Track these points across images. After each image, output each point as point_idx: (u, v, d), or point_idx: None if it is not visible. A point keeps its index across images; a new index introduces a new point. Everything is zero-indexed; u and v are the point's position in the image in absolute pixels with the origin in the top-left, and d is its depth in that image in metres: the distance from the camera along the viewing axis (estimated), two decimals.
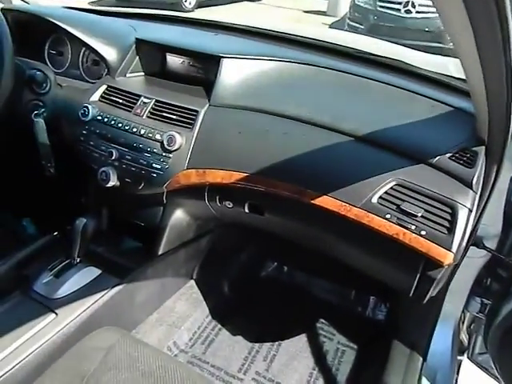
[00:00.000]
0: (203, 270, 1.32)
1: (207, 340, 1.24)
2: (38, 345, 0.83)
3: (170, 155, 0.92)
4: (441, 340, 1.06)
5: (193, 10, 7.00)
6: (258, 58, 1.00)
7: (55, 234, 1.05)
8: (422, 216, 0.73)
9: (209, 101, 0.96)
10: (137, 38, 1.09)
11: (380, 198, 0.76)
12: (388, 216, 0.75)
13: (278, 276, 1.52)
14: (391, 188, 0.77)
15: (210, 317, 1.30)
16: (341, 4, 7.32)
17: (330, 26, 6.71)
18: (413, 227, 0.73)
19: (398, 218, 0.75)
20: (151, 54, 1.11)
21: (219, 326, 1.29)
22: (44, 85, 1.08)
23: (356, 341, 1.30)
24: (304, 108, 0.90)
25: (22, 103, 1.06)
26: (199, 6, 7.25)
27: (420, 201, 0.74)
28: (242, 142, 0.90)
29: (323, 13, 7.69)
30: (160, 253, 1.10)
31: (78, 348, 0.82)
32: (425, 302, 0.86)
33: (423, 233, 0.73)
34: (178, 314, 1.23)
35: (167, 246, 1.10)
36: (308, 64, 1.02)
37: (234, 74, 0.98)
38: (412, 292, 0.83)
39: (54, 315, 0.90)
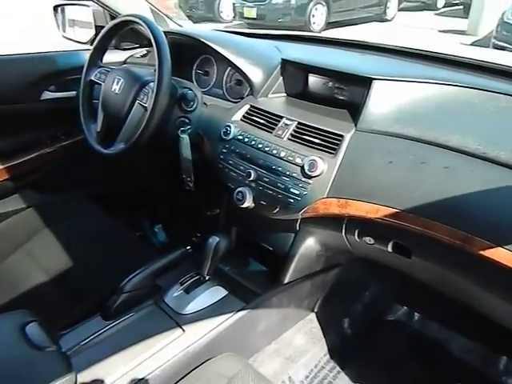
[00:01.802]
0: (326, 304, 1.23)
1: (324, 381, 1.15)
2: (165, 360, 0.84)
3: (310, 181, 0.87)
4: None
5: (320, 32, 7.08)
6: (416, 81, 0.90)
7: (188, 248, 1.07)
8: None
9: (355, 125, 0.88)
10: (282, 59, 1.07)
11: None
12: None
13: (408, 323, 1.35)
14: None
15: (328, 355, 1.20)
16: (483, 22, 6.68)
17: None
18: None
19: None
20: (295, 75, 1.09)
21: (338, 367, 1.18)
22: (192, 103, 1.13)
23: None
24: (471, 139, 0.76)
25: (171, 119, 1.12)
26: (326, 27, 7.31)
27: None
28: (393, 173, 0.80)
29: (461, 32, 7.11)
30: (286, 281, 1.04)
31: (202, 371, 0.81)
32: None
33: None
34: (295, 347, 1.16)
35: (294, 275, 1.05)
36: (475, 88, 0.88)
37: (385, 97, 0.89)
38: None
39: (181, 331, 0.90)
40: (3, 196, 1.36)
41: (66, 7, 1.50)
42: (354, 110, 0.92)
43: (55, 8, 1.53)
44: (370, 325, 1.32)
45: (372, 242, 0.87)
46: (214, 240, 0.99)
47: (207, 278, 1.01)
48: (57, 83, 1.38)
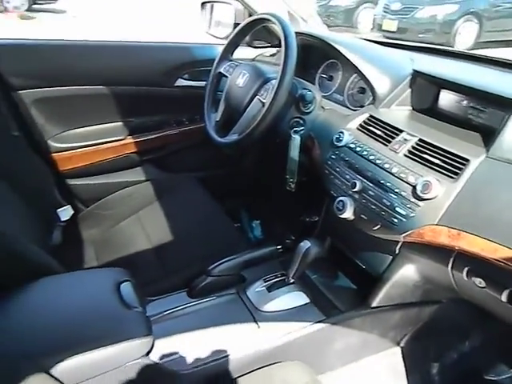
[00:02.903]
0: (415, 341, 1.12)
1: None
2: (235, 350, 0.85)
3: (420, 203, 0.79)
4: None
5: None
6: None
7: (278, 247, 1.07)
8: None
9: (487, 151, 0.78)
10: (414, 70, 1.00)
11: None
12: None
13: None
14: None
15: None
16: None
17: None
18: None
19: None
20: (425, 88, 1.00)
21: None
22: (310, 105, 1.12)
23: None
24: None
25: (286, 118, 1.12)
26: (474, 47, 6.69)
27: None
28: None
29: None
30: (373, 305, 0.97)
31: (267, 372, 0.79)
32: None
33: None
34: (373, 378, 1.08)
35: (383, 301, 0.97)
36: None
37: None
38: None
39: (256, 327, 0.90)
40: (129, 167, 1.53)
41: (212, 5, 1.62)
42: (488, 134, 0.81)
43: (202, 4, 1.66)
44: (463, 378, 1.16)
45: (483, 285, 0.76)
46: (305, 244, 0.96)
47: (291, 281, 1.00)
48: (191, 72, 1.50)
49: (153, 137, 1.52)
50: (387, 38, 7.01)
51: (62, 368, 0.61)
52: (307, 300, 0.98)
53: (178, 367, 0.78)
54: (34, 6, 8.81)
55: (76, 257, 1.21)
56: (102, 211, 1.39)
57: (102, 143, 1.46)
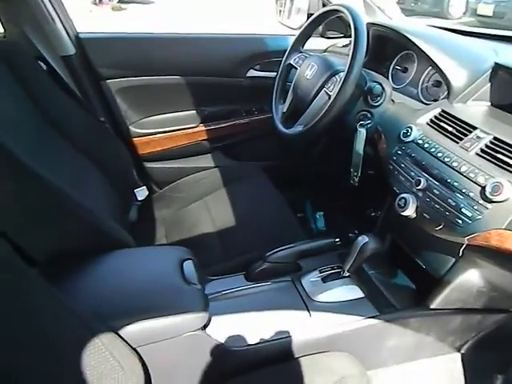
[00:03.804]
0: (478, 349, 1.06)
1: None
2: (285, 336, 0.88)
3: (489, 206, 0.75)
4: None
5: None
6: None
7: (336, 240, 1.08)
8: None
9: None
10: (496, 63, 0.93)
11: None
12: None
13: None
14: None
15: None
16: None
17: None
18: None
19: None
20: (507, 83, 0.93)
21: None
22: (378, 98, 1.09)
23: None
24: None
25: (353, 112, 1.11)
26: None
27: None
28: None
29: None
30: (432, 307, 0.94)
31: (315, 360, 0.82)
32: None
33: None
34: (429, 380, 1.05)
35: (443, 304, 0.94)
36: None
37: None
38: None
39: (307, 315, 0.92)
40: (200, 153, 1.62)
41: None
42: None
43: None
44: None
45: None
46: (363, 239, 0.96)
47: (347, 275, 1.00)
48: (263, 63, 1.54)
49: (223, 125, 1.59)
50: (481, 23, 6.43)
51: (127, 330, 0.69)
52: (362, 294, 0.98)
53: (230, 344, 0.83)
54: None
55: (148, 234, 1.32)
56: (174, 193, 1.49)
57: (177, 130, 1.56)
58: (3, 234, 0.78)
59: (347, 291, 0.98)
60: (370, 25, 1.26)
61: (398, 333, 0.97)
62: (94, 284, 0.78)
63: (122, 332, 0.68)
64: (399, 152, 0.97)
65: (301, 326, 0.90)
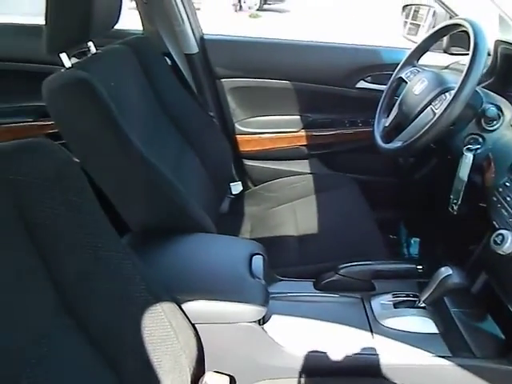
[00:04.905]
0: None
1: None
2: (343, 352, 0.85)
3: None
4: None
5: None
6: None
7: (419, 267, 1.01)
8: None
9: None
10: None
11: None
12: None
13: None
14: None
15: None
16: None
17: None
18: None
19: None
20: None
21: None
22: (494, 122, 0.99)
23: None
24: None
25: (461, 133, 1.02)
26: None
27: None
28: None
29: None
30: None
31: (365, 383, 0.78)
32: None
33: None
34: None
35: None
36: None
37: None
38: None
39: (370, 337, 0.88)
40: (297, 158, 1.65)
41: (412, 8, 1.56)
42: None
43: (404, 7, 1.62)
44: None
45: None
46: (446, 270, 0.88)
47: (422, 305, 0.93)
48: (374, 75, 1.50)
49: (325, 133, 1.59)
50: None
51: (188, 305, 0.75)
52: (435, 330, 0.90)
53: (283, 344, 0.84)
54: (265, 6, 9.96)
55: (234, 227, 1.39)
56: (265, 193, 1.55)
57: (279, 132, 1.61)
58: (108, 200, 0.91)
59: (419, 323, 0.91)
60: (500, 42, 1.14)
61: (469, 382, 0.87)
62: (168, 258, 0.86)
63: (183, 306, 0.74)
64: (507, 184, 0.87)
65: (360, 346, 0.86)
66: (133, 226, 0.95)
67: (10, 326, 0.49)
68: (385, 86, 1.34)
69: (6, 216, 0.52)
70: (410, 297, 0.96)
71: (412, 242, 1.66)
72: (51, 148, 0.58)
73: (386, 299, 0.97)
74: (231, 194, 1.59)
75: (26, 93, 1.40)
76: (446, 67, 1.44)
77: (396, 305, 0.95)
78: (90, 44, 1.01)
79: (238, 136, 1.60)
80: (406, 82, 1.18)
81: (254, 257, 0.89)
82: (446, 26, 1.08)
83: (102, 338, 0.60)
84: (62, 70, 0.90)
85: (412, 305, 0.94)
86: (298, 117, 1.58)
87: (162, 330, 0.67)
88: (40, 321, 0.53)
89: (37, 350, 0.51)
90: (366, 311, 0.95)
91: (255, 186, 1.65)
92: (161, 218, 0.96)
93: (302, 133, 1.59)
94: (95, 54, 1.02)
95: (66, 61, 0.91)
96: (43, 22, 0.82)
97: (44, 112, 1.36)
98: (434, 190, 1.44)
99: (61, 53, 0.90)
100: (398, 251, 1.61)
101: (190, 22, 1.38)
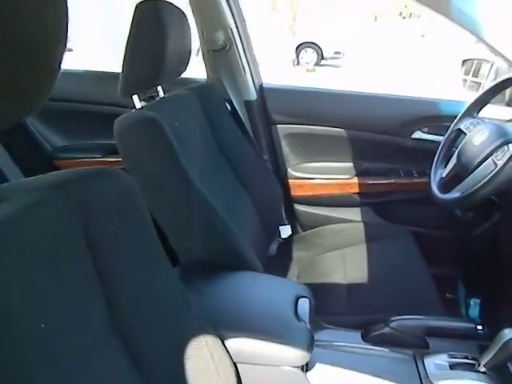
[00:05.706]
0: None
1: None
2: None
3: None
4: None
5: None
6: None
7: (479, 328, 0.93)
8: None
9: None
10: None
11: None
12: None
13: None
14: None
15: None
16: None
17: None
18: None
19: None
20: None
21: None
22: None
23: None
24: None
25: None
26: None
27: None
28: None
29: None
30: None
31: None
32: None
33: None
34: None
35: None
36: None
37: None
38: None
39: None
40: (349, 205, 1.63)
41: (472, 62, 1.56)
42: None
43: (463, 62, 1.62)
44: None
45: None
46: (510, 333, 0.81)
47: (482, 370, 0.85)
48: (431, 126, 1.48)
49: (378, 182, 1.58)
50: None
51: (233, 343, 0.74)
52: None
53: None
54: (322, 62, 10.36)
55: (281, 270, 1.38)
56: (315, 238, 1.53)
57: (331, 179, 1.61)
58: (162, 232, 0.95)
59: None
60: None
61: None
62: (215, 293, 0.86)
63: (226, 342, 0.74)
64: None
65: None
66: (183, 258, 0.98)
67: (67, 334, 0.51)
68: (441, 137, 1.33)
69: (74, 237, 0.56)
70: (468, 359, 0.88)
71: (472, 303, 1.54)
72: (119, 174, 0.63)
73: (442, 359, 0.89)
74: (280, 237, 1.60)
75: (98, 132, 1.54)
76: (510, 120, 1.40)
77: (452, 366, 0.88)
78: (159, 89, 1.11)
79: (290, 180, 1.63)
80: (465, 134, 1.16)
81: (301, 299, 0.87)
82: (509, 79, 1.07)
83: (145, 363, 0.61)
84: (133, 111, 0.99)
85: (471, 368, 0.86)
86: (351, 164, 1.59)
87: (204, 364, 0.67)
88: (90, 337, 0.55)
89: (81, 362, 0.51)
90: (418, 370, 0.88)
91: (304, 230, 1.65)
92: (211, 253, 0.99)
93: (355, 180, 1.59)
94: (163, 97, 1.12)
95: (137, 102, 1.01)
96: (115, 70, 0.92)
97: (112, 149, 1.49)
98: (496, 246, 1.35)
99: (133, 95, 0.99)
100: (455, 312, 1.50)
101: (251, 72, 1.47)
